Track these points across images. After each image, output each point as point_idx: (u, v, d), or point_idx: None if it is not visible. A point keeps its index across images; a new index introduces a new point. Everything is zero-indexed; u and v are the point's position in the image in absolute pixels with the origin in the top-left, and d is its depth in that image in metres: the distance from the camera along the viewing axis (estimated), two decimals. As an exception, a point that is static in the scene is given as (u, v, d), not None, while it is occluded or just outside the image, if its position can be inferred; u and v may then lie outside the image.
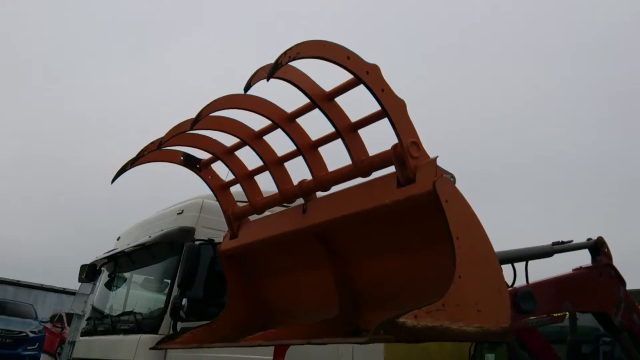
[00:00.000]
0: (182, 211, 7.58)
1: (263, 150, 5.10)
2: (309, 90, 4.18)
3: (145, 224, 8.45)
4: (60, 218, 51.76)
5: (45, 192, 53.90)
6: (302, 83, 4.13)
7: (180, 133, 5.00)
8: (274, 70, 3.65)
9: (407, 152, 3.84)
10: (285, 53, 3.63)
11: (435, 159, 3.86)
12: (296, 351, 6.84)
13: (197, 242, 6.90)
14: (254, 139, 5.08)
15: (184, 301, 6.59)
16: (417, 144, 3.88)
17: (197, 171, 5.71)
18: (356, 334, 4.54)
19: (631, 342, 5.89)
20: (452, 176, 3.90)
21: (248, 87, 3.85)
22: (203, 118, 4.55)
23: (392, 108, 3.86)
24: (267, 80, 3.76)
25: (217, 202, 6.95)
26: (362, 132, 4.36)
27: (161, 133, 5.07)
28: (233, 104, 4.67)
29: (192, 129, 4.76)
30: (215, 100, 4.55)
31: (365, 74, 3.81)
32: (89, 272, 9.00)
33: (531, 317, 5.30)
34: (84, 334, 8.91)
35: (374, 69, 3.85)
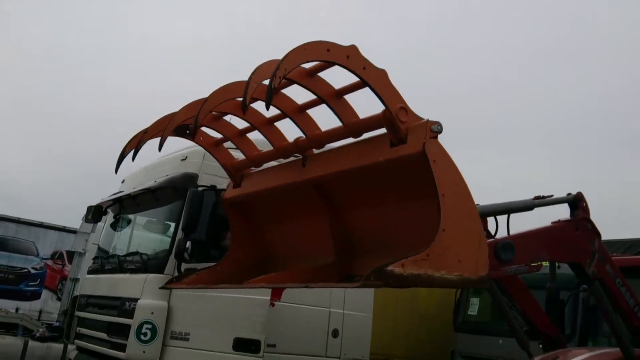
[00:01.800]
0: (186, 157, 7.88)
1: (249, 116, 5.33)
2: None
3: (150, 168, 8.75)
4: (60, 159, 51.99)
5: (46, 133, 53.82)
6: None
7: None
8: (270, 96, 3.92)
9: (396, 117, 4.16)
10: (275, 75, 3.85)
11: (426, 122, 4.21)
12: (292, 293, 7.34)
13: (200, 188, 7.24)
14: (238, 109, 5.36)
15: (188, 244, 6.98)
16: (405, 108, 4.19)
17: (189, 137, 5.94)
18: (349, 279, 4.96)
19: (602, 291, 6.33)
20: (439, 125, 4.25)
21: (245, 108, 4.14)
22: (200, 124, 4.97)
23: (374, 81, 4.15)
24: (267, 109, 4.14)
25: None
26: (361, 98, 4.64)
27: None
28: (227, 96, 4.94)
29: (193, 138, 5.07)
30: (207, 102, 4.84)
31: (345, 59, 4.07)
32: (95, 213, 9.36)
33: (510, 266, 5.72)
34: (90, 272, 9.36)
35: (353, 51, 4.10)
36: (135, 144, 5.55)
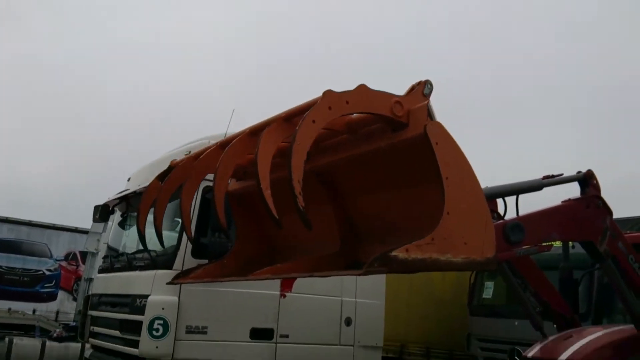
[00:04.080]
0: (190, 152, 7.82)
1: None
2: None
3: (155, 165, 8.69)
4: (68, 161, 52.16)
5: (53, 133, 53.87)
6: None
7: None
8: (306, 220, 3.93)
9: (393, 114, 4.12)
10: (296, 195, 3.88)
11: (426, 104, 4.13)
12: (303, 284, 7.32)
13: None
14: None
15: (208, 240, 6.94)
16: (399, 102, 4.13)
17: None
18: (356, 267, 4.91)
19: (615, 269, 6.25)
20: (429, 84, 4.22)
21: (278, 224, 4.13)
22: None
23: (360, 106, 4.09)
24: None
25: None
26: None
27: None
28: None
29: None
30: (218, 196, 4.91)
31: (329, 112, 3.98)
32: (102, 213, 9.33)
33: (520, 247, 5.64)
34: (101, 271, 9.36)
35: (332, 99, 3.99)
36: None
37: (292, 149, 3.81)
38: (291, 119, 4.42)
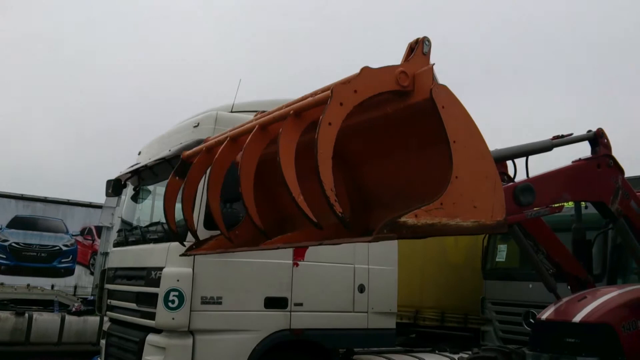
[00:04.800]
0: (198, 124, 7.83)
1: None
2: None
3: (164, 138, 8.75)
4: (79, 135, 52.29)
5: (63, 109, 53.88)
6: None
7: None
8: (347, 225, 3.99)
9: (400, 86, 4.04)
10: (328, 196, 3.85)
11: (431, 67, 4.07)
12: (316, 252, 7.35)
13: None
14: None
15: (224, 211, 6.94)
16: (403, 72, 4.04)
17: None
18: (366, 234, 4.91)
19: (628, 228, 6.22)
20: (427, 41, 4.13)
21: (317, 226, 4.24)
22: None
23: (367, 91, 3.97)
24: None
25: (230, 114, 7.31)
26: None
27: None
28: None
29: None
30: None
31: (340, 108, 3.88)
32: (114, 187, 9.43)
33: (531, 209, 5.61)
34: (116, 244, 9.46)
35: (340, 94, 3.87)
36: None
37: (317, 159, 3.81)
38: (301, 114, 4.37)
